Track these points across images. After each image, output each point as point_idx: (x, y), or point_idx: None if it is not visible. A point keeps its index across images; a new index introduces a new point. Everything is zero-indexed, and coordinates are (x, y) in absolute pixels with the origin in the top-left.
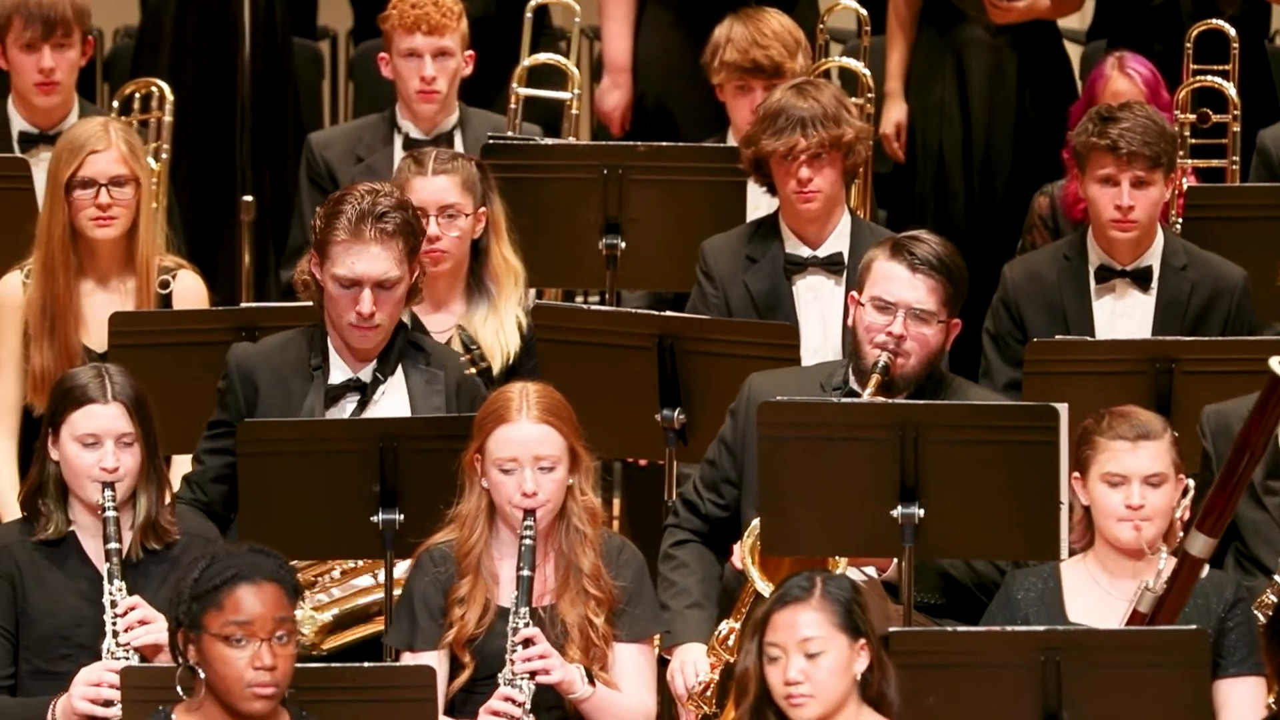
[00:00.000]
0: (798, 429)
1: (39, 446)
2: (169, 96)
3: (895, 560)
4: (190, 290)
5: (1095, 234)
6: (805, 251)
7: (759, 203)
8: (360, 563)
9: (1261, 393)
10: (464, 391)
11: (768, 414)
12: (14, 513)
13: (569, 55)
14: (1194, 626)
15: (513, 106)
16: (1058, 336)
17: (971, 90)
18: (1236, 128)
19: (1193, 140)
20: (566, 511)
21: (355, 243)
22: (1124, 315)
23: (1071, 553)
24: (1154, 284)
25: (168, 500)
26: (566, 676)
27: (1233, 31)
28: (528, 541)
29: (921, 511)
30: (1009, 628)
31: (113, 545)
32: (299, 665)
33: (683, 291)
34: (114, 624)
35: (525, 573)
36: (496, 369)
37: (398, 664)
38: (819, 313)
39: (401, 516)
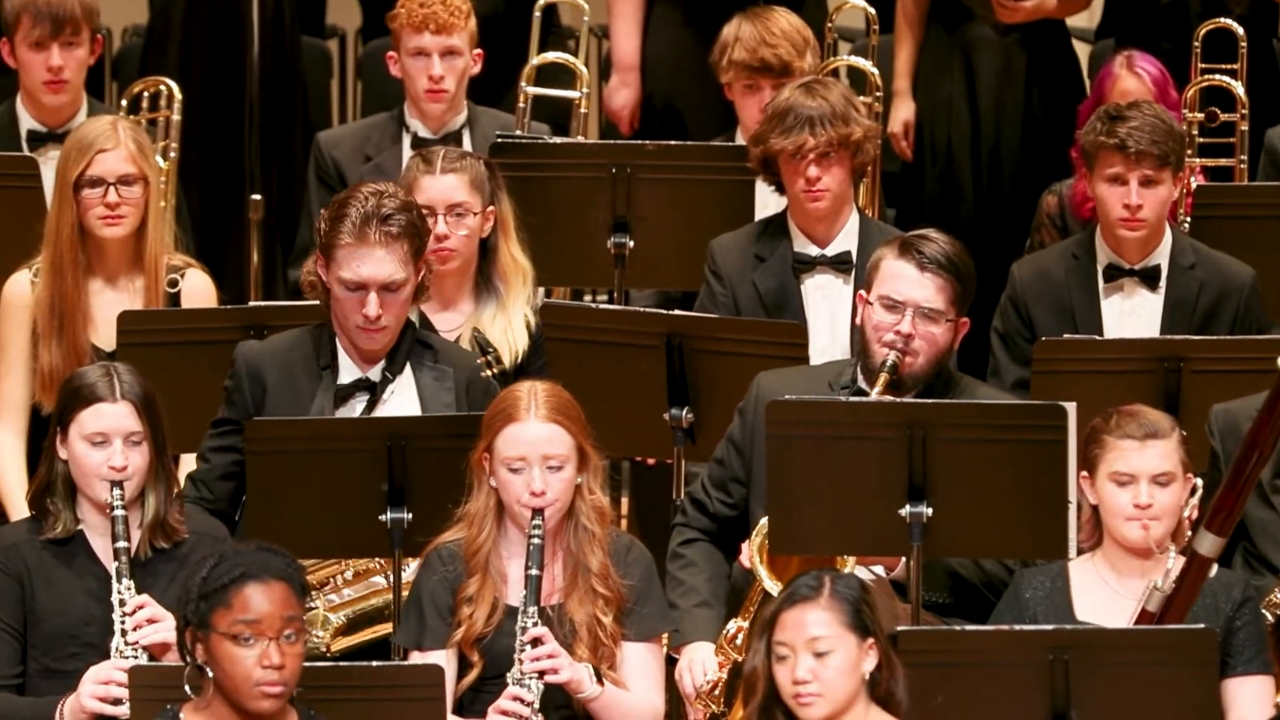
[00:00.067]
0: (806, 428)
1: (47, 445)
2: (177, 95)
3: (903, 559)
4: (199, 289)
5: (1103, 233)
6: (814, 250)
7: (767, 201)
8: (379, 563)
9: (1270, 392)
10: (474, 389)
11: (776, 413)
12: (22, 511)
13: (577, 54)
14: (1202, 626)
15: (521, 105)
16: (1066, 335)
17: (980, 89)
18: (1245, 126)
19: (1201, 139)
20: (575, 510)
21: (360, 246)
22: (1132, 314)
23: (1080, 552)
24: (1162, 283)
25: (176, 499)
26: (575, 676)
27: (1241, 30)
28: (536, 540)
29: (930, 510)
30: (1017, 627)
31: (121, 544)
32: (307, 664)
33: (691, 290)
34: (122, 623)
35: (533, 572)
36: (505, 368)
37: (406, 663)
38: (827, 312)
39: (410, 515)
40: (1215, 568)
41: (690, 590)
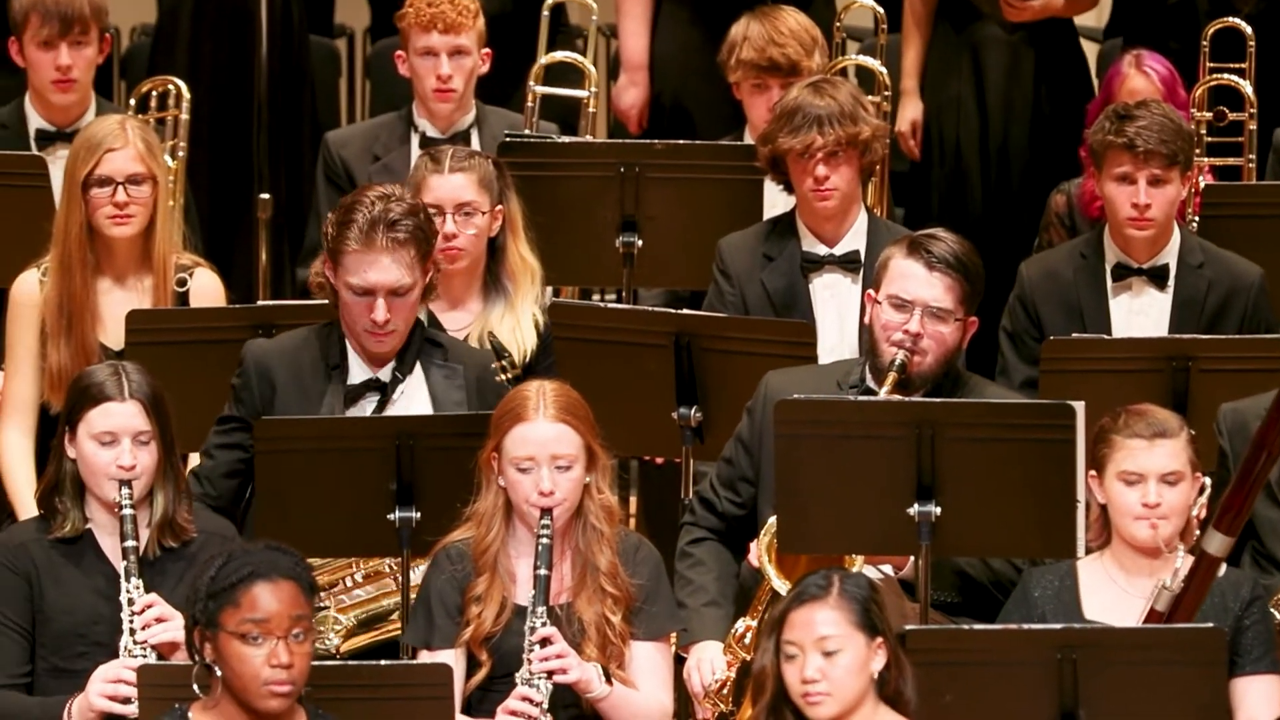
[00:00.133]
0: (814, 427)
1: (56, 444)
2: (186, 94)
3: (912, 558)
4: (207, 288)
5: (1112, 232)
6: (822, 249)
7: (776, 201)
8: (391, 565)
9: (1278, 391)
10: (485, 386)
11: (784, 412)
12: (31, 511)
13: (586, 53)
14: (1211, 625)
15: (529, 104)
16: (1074, 335)
17: (988, 88)
18: (1253, 126)
19: (1209, 138)
20: (583, 510)
21: (367, 252)
22: (1140, 313)
23: (1088, 551)
24: (1170, 282)
25: (185, 498)
26: (584, 676)
27: (1249, 30)
28: (545, 540)
29: (938, 510)
30: (1025, 626)
31: (130, 543)
32: (315, 663)
33: (699, 289)
34: (131, 622)
35: (542, 571)
36: (520, 373)
37: (415, 662)
38: (836, 311)
39: (418, 514)
40: (1224, 567)
41: (699, 589)
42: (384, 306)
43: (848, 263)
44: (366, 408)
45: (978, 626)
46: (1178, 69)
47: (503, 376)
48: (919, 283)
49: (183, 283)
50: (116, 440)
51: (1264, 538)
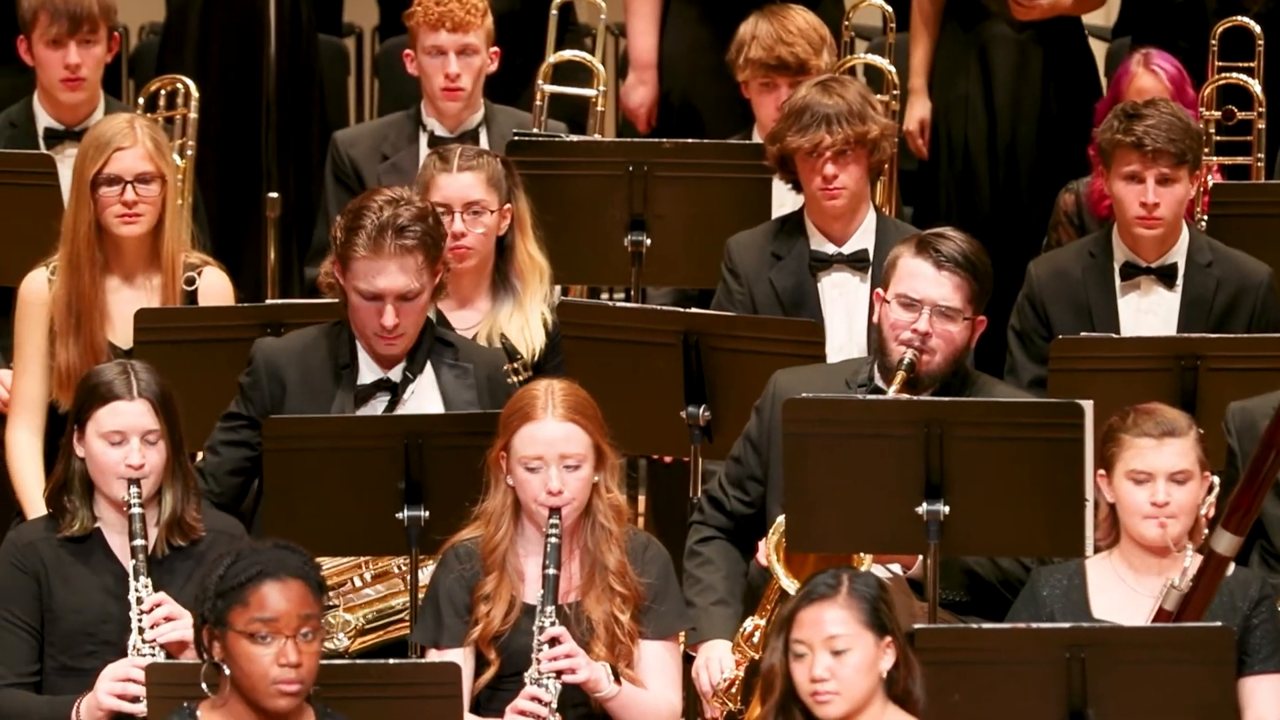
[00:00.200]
0: (823, 426)
1: (64, 443)
2: (194, 93)
3: (920, 557)
4: (216, 287)
5: (1120, 231)
6: (830, 248)
7: (784, 200)
8: (398, 567)
9: None
10: (495, 385)
11: (793, 411)
12: (39, 509)
13: (594, 52)
14: (1219, 624)
15: (538, 103)
16: (1083, 334)
17: (996, 86)
18: (1261, 125)
19: (1218, 137)
20: (592, 509)
21: (376, 259)
22: (1149, 312)
23: (1097, 550)
24: (1179, 281)
25: (193, 497)
26: (593, 675)
27: (1258, 28)
28: (553, 539)
29: (946, 509)
30: (1034, 625)
31: (138, 542)
32: (324, 662)
33: (708, 288)
34: (139, 621)
35: (550, 571)
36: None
37: (423, 661)
38: (844, 310)
39: (427, 513)
40: (1232, 566)
41: (707, 588)
42: (392, 312)
43: (856, 262)
44: (377, 408)
45: (986, 626)
46: (1186, 68)
47: (514, 378)
48: (928, 282)
49: (191, 281)
50: (125, 439)
51: (1272, 537)
